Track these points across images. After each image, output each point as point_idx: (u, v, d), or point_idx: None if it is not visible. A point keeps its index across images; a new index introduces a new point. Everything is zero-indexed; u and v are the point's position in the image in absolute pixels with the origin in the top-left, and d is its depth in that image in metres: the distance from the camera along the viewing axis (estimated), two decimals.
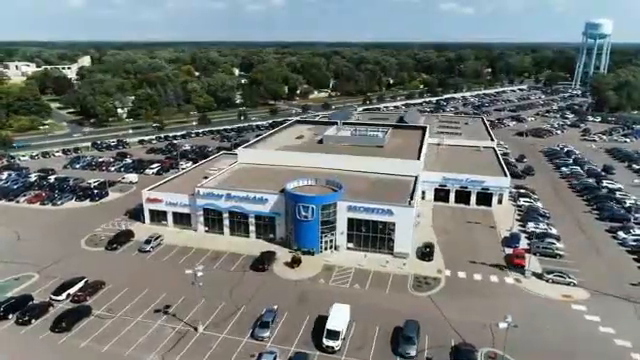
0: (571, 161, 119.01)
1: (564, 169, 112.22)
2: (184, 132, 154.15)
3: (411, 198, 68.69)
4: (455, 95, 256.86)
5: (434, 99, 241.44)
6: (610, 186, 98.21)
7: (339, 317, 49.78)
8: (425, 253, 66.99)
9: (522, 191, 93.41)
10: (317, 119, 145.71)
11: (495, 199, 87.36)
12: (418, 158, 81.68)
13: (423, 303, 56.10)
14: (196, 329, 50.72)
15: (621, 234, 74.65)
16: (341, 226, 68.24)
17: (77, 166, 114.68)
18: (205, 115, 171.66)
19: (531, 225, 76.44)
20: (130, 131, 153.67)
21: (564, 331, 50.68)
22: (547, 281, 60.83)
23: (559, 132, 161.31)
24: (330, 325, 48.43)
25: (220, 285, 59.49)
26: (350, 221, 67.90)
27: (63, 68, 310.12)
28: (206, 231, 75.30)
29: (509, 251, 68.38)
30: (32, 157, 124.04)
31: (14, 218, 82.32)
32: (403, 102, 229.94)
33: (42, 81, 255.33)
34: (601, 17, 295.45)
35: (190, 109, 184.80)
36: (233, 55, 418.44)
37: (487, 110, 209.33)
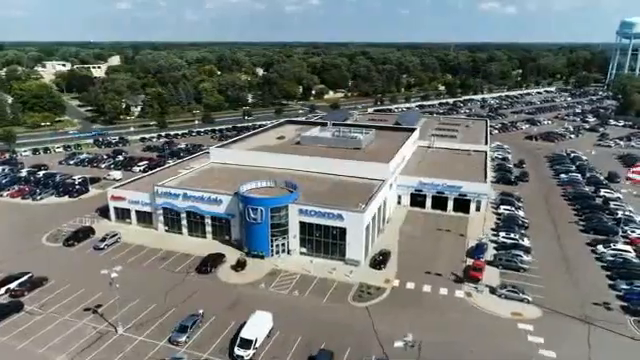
0: (574, 168, 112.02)
1: (563, 176, 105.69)
2: (185, 131, 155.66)
3: (366, 204, 65.75)
4: (474, 97, 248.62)
5: (451, 100, 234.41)
6: (608, 195, 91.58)
7: (257, 325, 47.98)
8: (378, 261, 64.08)
9: (506, 198, 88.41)
10: (308, 119, 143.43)
11: (473, 206, 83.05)
12: (388, 162, 78.41)
13: (358, 314, 53.41)
14: (117, 330, 50.19)
15: (600, 248, 69.10)
16: (293, 230, 66.33)
17: (71, 162, 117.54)
18: (208, 114, 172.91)
19: (502, 235, 72.00)
20: (132, 129, 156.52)
21: (495, 352, 46.90)
22: (500, 296, 56.79)
23: (573, 136, 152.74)
24: (244, 333, 46.72)
25: (159, 286, 58.86)
26: (302, 225, 65.86)
27: (93, 67, 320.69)
28: (166, 230, 75.06)
29: (471, 262, 64.55)
30: (34, 152, 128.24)
31: None
32: (418, 103, 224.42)
33: (69, 80, 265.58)
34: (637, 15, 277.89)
35: (196, 108, 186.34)
36: (261, 55, 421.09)
37: (503, 113, 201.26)
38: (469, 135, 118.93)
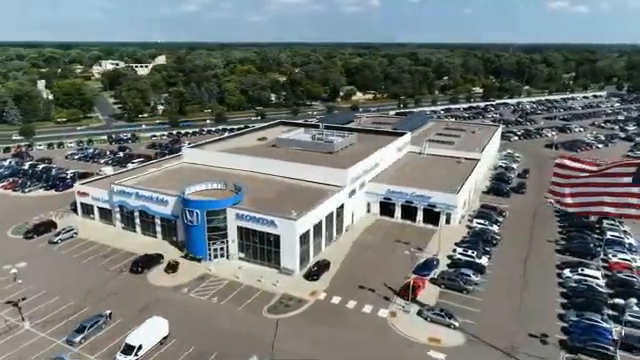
0: None
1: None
2: (197, 129, 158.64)
3: (302, 212, 62.82)
4: (509, 100, 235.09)
5: (483, 104, 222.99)
6: None
7: (147, 331, 47.03)
8: (313, 272, 61.26)
9: (484, 211, 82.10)
10: (306, 121, 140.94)
11: (443, 218, 77.72)
12: (347, 168, 74.99)
13: (264, 327, 51.07)
14: (24, 325, 51.12)
15: (566, 272, 62.14)
16: (232, 234, 64.94)
17: (76, 157, 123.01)
18: (221, 113, 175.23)
19: (459, 251, 66.67)
20: (143, 126, 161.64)
21: None
22: (425, 318, 52.35)
23: (601, 146, 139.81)
24: (129, 339, 45.95)
25: (88, 283, 59.52)
26: (240, 230, 64.31)
27: (139, 66, 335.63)
28: (123, 228, 76.18)
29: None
30: (49, 146, 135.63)
31: None
32: (445, 106, 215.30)
33: (112, 78, 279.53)
34: None
35: (216, 107, 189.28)
36: (304, 55, 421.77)
37: (534, 118, 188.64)
38: (470, 142, 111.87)
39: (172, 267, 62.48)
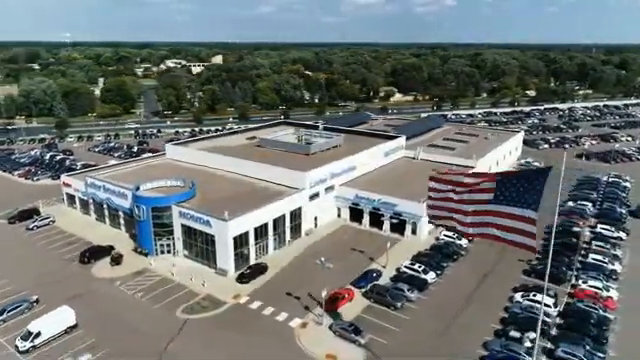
0: (594, 195, 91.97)
1: (570, 204, 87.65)
2: (219, 127, 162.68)
3: (236, 213, 61.94)
4: (560, 105, 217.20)
5: (527, 109, 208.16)
6: (605, 233, 73.72)
7: (50, 320, 48.81)
8: (246, 275, 60.48)
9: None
10: (316, 123, 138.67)
11: (409, 228, 73.45)
12: (307, 170, 73.11)
13: (171, 326, 51.01)
14: None
15: (517, 297, 56.21)
16: (177, 231, 65.75)
17: (96, 150, 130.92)
18: (245, 112, 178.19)
19: (405, 264, 62.61)
20: (168, 122, 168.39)
21: None
22: (334, 332, 49.70)
23: None
24: (30, 325, 47.93)
25: (38, 270, 62.90)
26: (184, 227, 64.94)
27: (193, 65, 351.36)
28: (96, 219, 79.86)
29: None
30: (79, 139, 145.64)
31: None
32: (484, 110, 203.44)
33: (162, 74, 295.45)
34: None
35: (245, 107, 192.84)
36: (360, 55, 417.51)
37: (580, 125, 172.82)
38: (474, 148, 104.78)
39: (116, 260, 64.40)
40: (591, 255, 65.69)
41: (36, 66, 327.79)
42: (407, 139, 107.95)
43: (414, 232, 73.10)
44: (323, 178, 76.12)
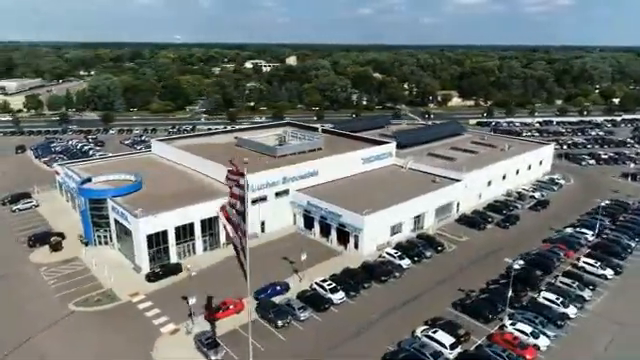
0: (607, 222, 77.58)
1: (568, 230, 74.87)
2: (250, 125, 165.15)
3: (163, 211, 61.66)
4: None
5: (600, 119, 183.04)
6: (589, 268, 61.81)
7: None
8: (155, 274, 60.10)
9: (415, 242, 68.94)
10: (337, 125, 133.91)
11: (352, 241, 67.86)
12: (251, 173, 70.54)
13: (54, 317, 52.04)
14: None
15: (418, 331, 48.90)
16: (112, 224, 67.40)
17: (126, 142, 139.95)
18: (279, 112, 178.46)
19: (316, 281, 57.66)
20: (202, 119, 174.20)
21: None
22: (196, 344, 47.12)
23: None
24: None
25: None
26: (115, 221, 66.34)
27: (263, 65, 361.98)
28: (73, 207, 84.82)
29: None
30: (119, 132, 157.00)
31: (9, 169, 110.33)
32: (544, 119, 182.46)
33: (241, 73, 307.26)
34: None
35: (286, 107, 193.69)
36: (445, 58, 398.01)
37: None
38: (480, 160, 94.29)
39: (54, 247, 67.61)
40: (543, 293, 55.28)
41: (130, 64, 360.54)
42: (410, 146, 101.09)
43: (356, 246, 67.44)
44: (272, 181, 73.25)
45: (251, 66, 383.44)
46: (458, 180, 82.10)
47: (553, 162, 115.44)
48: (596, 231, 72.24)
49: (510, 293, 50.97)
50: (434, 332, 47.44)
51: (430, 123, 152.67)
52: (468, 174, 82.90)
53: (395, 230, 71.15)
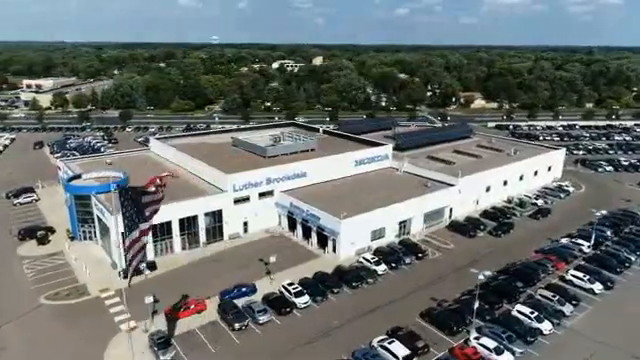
0: (609, 233, 73.03)
1: (564, 240, 70.92)
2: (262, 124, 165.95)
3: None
4: None
5: (630, 123, 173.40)
6: (576, 281, 58.29)
7: None
8: (129, 270, 60.69)
9: (389, 247, 66.95)
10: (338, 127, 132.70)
11: (330, 244, 66.59)
12: (231, 172, 70.55)
13: (22, 310, 53.37)
14: None
15: (374, 341, 47.14)
16: (96, 220, 68.73)
17: (139, 140, 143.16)
18: (292, 112, 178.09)
19: (285, 284, 56.73)
20: (216, 118, 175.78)
21: None
22: (149, 342, 47.23)
23: None
24: None
25: None
26: (98, 217, 67.60)
27: (289, 66, 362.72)
28: None
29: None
30: (136, 129, 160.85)
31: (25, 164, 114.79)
32: (568, 122, 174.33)
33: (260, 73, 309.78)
34: None
35: (297, 107, 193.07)
36: (476, 58, 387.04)
37: None
38: (481, 165, 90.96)
39: (40, 240, 69.56)
40: (518, 306, 52.41)
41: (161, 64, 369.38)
42: (411, 149, 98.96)
43: (334, 250, 66.14)
44: (255, 182, 72.84)
45: (277, 66, 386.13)
46: (452, 185, 79.32)
47: (567, 168, 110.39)
48: (591, 242, 67.99)
49: (476, 305, 48.44)
50: (390, 343, 45.71)
51: (439, 125, 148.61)
52: (462, 179, 79.87)
53: (377, 235, 69.33)
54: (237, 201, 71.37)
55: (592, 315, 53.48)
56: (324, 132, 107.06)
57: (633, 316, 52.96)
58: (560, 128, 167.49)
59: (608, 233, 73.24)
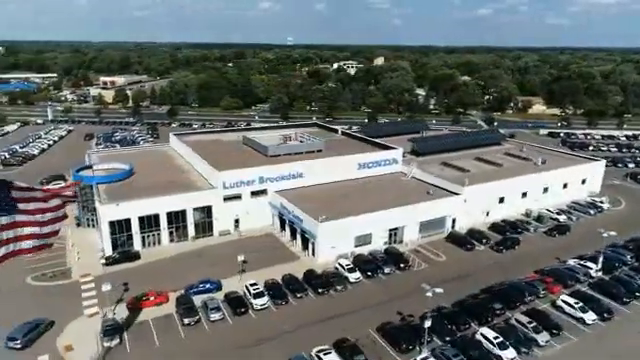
0: (629, 258, 64.56)
1: (571, 262, 63.88)
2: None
3: (125, 200, 65.07)
4: None
5: None
6: (567, 308, 52.36)
7: None
8: (111, 258, 63.85)
9: (368, 256, 64.04)
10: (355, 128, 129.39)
11: (310, 247, 65.25)
12: (222, 170, 71.35)
13: (7, 290, 57.65)
14: None
15: (313, 351, 45.32)
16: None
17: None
18: (331, 113, 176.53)
19: (247, 284, 56.33)
20: (256, 117, 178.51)
21: None
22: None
23: None
24: None
25: None
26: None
27: (348, 67, 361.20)
28: None
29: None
30: (181, 125, 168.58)
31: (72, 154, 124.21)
32: (634, 131, 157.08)
33: (312, 74, 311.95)
34: None
35: (335, 109, 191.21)
36: (553, 60, 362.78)
37: None
38: (498, 174, 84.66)
39: None
40: (482, 329, 47.96)
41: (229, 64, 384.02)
42: (428, 154, 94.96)
43: (314, 253, 64.76)
44: (247, 180, 73.19)
45: (336, 67, 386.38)
46: (457, 194, 74.61)
47: (613, 182, 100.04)
48: (599, 266, 60.61)
49: (428, 324, 44.85)
50: (325, 354, 43.87)
51: (466, 130, 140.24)
52: (469, 188, 74.79)
53: (362, 241, 66.83)
54: (227, 198, 72.19)
55: (573, 348, 47.68)
56: (342, 133, 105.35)
57: (622, 353, 46.55)
58: (623, 138, 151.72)
59: (628, 257, 64.99)
